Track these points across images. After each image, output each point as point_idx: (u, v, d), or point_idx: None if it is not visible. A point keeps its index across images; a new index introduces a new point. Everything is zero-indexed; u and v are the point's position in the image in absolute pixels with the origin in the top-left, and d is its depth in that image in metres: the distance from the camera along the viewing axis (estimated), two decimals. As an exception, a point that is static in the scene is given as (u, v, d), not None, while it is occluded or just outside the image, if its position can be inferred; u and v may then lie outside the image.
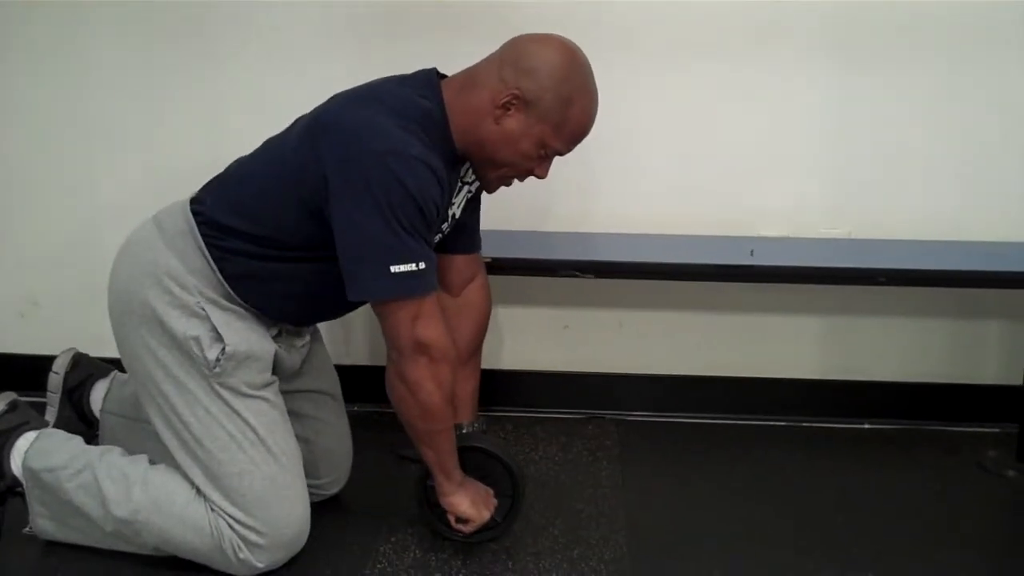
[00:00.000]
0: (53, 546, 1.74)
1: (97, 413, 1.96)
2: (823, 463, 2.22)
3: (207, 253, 1.66)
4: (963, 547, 1.86)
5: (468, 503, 1.74)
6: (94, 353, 2.03)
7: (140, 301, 1.66)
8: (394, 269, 1.54)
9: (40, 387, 1.98)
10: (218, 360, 1.63)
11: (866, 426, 2.42)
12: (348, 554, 1.78)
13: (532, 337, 2.48)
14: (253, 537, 1.64)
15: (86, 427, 1.96)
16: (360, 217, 1.52)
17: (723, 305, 2.42)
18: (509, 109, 1.61)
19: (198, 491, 1.66)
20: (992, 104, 2.27)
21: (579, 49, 1.66)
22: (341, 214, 1.55)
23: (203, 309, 1.65)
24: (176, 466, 1.68)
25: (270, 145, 1.73)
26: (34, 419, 1.79)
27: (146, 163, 2.42)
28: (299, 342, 1.85)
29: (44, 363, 1.99)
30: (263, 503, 1.65)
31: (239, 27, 2.32)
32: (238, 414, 1.65)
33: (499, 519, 1.81)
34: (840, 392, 2.44)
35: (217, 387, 1.65)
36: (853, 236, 2.32)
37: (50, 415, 1.96)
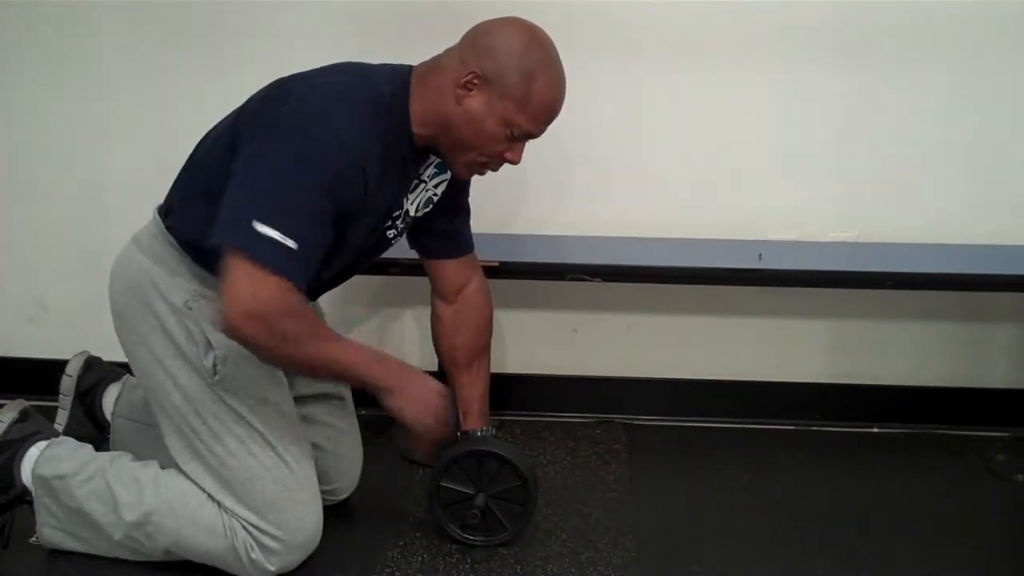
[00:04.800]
0: (59, 555, 1.74)
1: (109, 417, 1.96)
2: (832, 467, 2.22)
3: (174, 241, 1.66)
4: (972, 551, 1.85)
5: (411, 408, 1.62)
6: (103, 357, 2.04)
7: (137, 316, 1.67)
8: (258, 227, 1.42)
9: (49, 391, 1.99)
10: (215, 367, 1.63)
11: (875, 430, 2.42)
12: (356, 559, 1.78)
13: (540, 341, 2.47)
14: (266, 540, 1.64)
15: (97, 431, 1.96)
16: (254, 163, 1.48)
17: (731, 309, 2.42)
18: (471, 89, 1.59)
19: (210, 497, 1.67)
20: (1001, 108, 2.27)
21: (540, 28, 1.64)
22: (240, 157, 1.51)
23: (191, 308, 1.64)
24: (187, 475, 1.68)
25: (222, 121, 1.71)
26: (45, 428, 1.80)
27: (155, 167, 2.40)
28: None
29: (53, 367, 2.00)
30: (275, 507, 1.65)
31: (246, 31, 2.33)
32: (245, 419, 1.66)
33: (511, 524, 1.81)
34: (849, 396, 2.44)
35: (222, 394, 1.65)
36: (861, 240, 2.31)
37: (61, 418, 1.97)
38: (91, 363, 2.00)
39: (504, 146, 1.64)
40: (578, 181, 2.24)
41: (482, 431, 1.85)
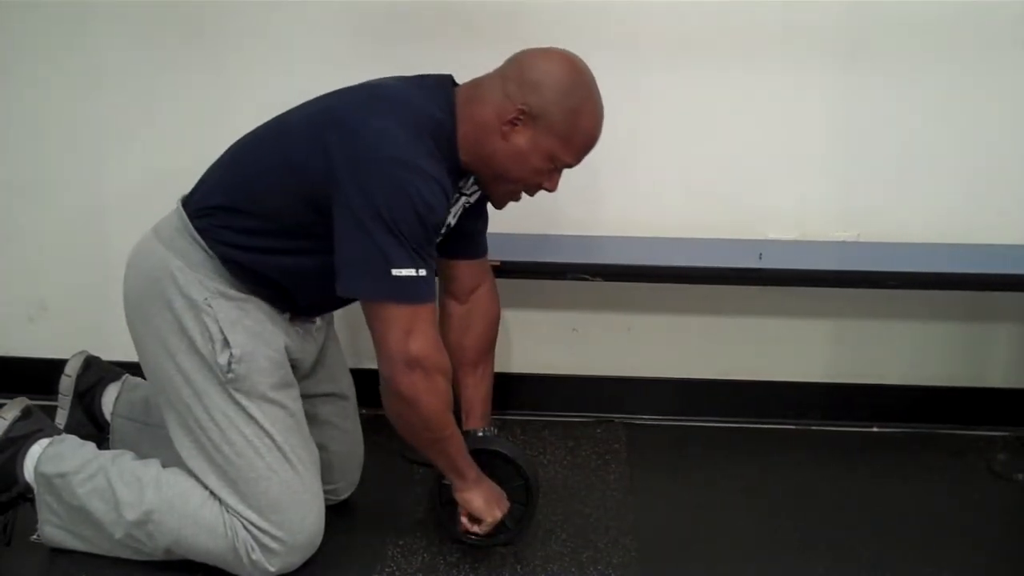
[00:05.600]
0: (60, 553, 1.74)
1: (108, 417, 1.96)
2: (832, 466, 2.22)
3: (203, 243, 1.66)
4: (973, 551, 1.85)
5: (481, 501, 1.73)
6: (103, 356, 2.03)
7: (152, 309, 1.67)
8: (396, 272, 1.52)
9: (49, 390, 1.99)
10: (229, 365, 1.64)
11: (875, 429, 2.42)
12: (356, 558, 1.79)
13: (541, 340, 2.47)
14: (267, 541, 1.64)
15: (97, 431, 1.96)
16: (364, 219, 1.52)
17: (732, 308, 2.42)
18: (516, 124, 1.61)
19: (213, 494, 1.66)
20: (1001, 107, 2.27)
21: (581, 60, 1.66)
22: (345, 212, 1.54)
23: (210, 306, 1.64)
24: (190, 473, 1.68)
25: (271, 129, 1.72)
26: (48, 426, 1.80)
27: (153, 165, 2.42)
28: (313, 327, 1.84)
29: (53, 367, 2.00)
30: (278, 508, 1.65)
31: (244, 28, 2.32)
32: (255, 420, 1.65)
33: (512, 524, 1.81)
34: (849, 395, 2.44)
35: (233, 392, 1.65)
36: (862, 239, 2.31)
37: (61, 418, 1.96)
38: (90, 363, 1.99)
39: (544, 177, 1.68)
40: (578, 181, 2.23)
41: (484, 431, 1.85)
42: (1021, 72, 2.25)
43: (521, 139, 1.62)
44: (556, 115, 1.60)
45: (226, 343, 1.64)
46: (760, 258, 2.16)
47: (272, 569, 1.65)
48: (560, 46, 2.29)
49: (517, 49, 2.26)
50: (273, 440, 1.66)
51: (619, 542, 1.85)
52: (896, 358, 2.43)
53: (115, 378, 1.99)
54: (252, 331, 1.67)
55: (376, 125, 1.56)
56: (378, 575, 1.73)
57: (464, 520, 1.76)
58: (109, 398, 1.97)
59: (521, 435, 2.36)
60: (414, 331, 1.56)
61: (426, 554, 1.80)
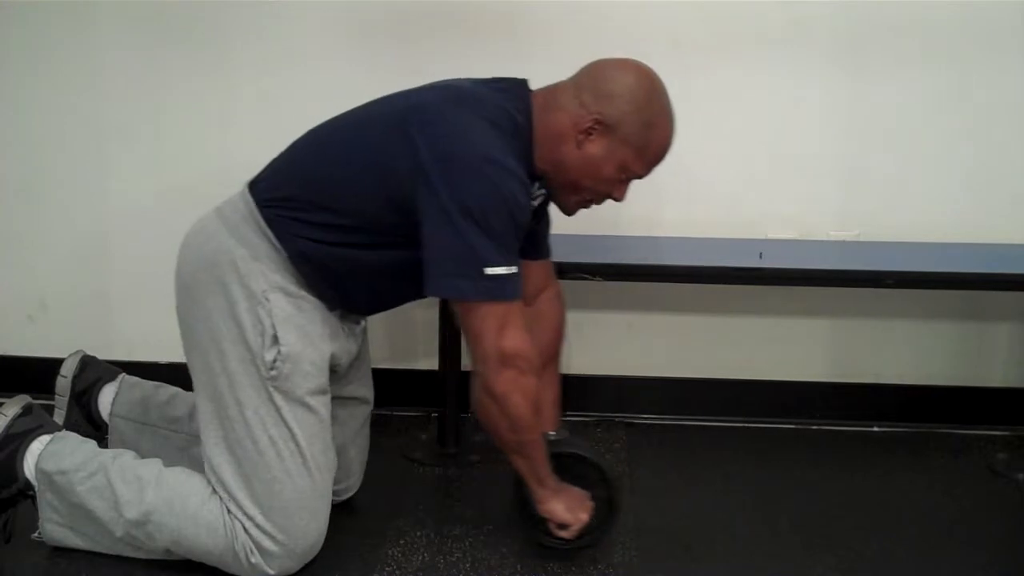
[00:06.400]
0: (61, 551, 1.74)
1: (106, 417, 1.95)
2: (832, 466, 2.22)
3: (270, 234, 1.66)
4: (973, 550, 1.85)
5: (564, 508, 1.72)
6: (103, 356, 2.03)
7: (206, 292, 1.66)
8: (489, 271, 1.54)
9: (49, 390, 1.98)
10: (274, 362, 1.63)
11: (875, 429, 2.42)
12: (357, 556, 1.78)
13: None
14: (267, 543, 1.63)
15: (94, 431, 1.95)
16: (455, 218, 1.53)
17: (732, 307, 2.42)
18: (591, 134, 1.63)
19: (224, 490, 1.65)
20: (1001, 106, 2.27)
21: (654, 72, 1.67)
22: (434, 212, 1.55)
23: (267, 299, 1.64)
24: (209, 458, 1.67)
25: (347, 125, 1.72)
26: (48, 423, 1.79)
27: (155, 165, 2.42)
28: (357, 328, 1.84)
29: (52, 366, 1.99)
30: (286, 512, 1.64)
31: (246, 28, 2.33)
32: (285, 422, 1.65)
33: (596, 524, 1.77)
34: (849, 395, 2.44)
35: (271, 390, 1.64)
36: (862, 239, 2.31)
37: (58, 419, 1.95)
38: (86, 363, 1.98)
39: (614, 187, 1.70)
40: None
41: (557, 434, 1.83)
42: (1020, 72, 2.25)
43: (595, 148, 1.64)
44: (631, 126, 1.62)
45: (275, 339, 1.63)
46: (760, 257, 2.16)
47: (271, 572, 1.65)
48: (559, 46, 2.30)
49: (516, 47, 2.28)
50: (297, 445, 1.65)
51: (619, 541, 1.85)
52: (896, 357, 2.43)
53: (112, 378, 1.98)
54: (303, 331, 1.66)
55: (464, 123, 1.58)
56: (378, 574, 1.73)
57: (552, 527, 1.74)
58: (106, 398, 1.96)
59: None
60: (507, 328, 1.58)
61: (426, 553, 1.80)
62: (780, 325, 2.44)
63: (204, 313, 1.67)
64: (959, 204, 2.32)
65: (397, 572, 1.74)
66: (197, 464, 1.78)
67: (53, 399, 1.96)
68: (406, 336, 2.46)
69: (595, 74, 1.66)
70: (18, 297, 2.52)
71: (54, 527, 1.71)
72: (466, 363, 2.24)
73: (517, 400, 1.61)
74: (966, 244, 2.29)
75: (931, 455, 2.28)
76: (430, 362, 2.29)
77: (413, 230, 1.59)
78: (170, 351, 2.46)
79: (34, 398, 1.80)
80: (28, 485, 1.70)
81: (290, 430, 1.65)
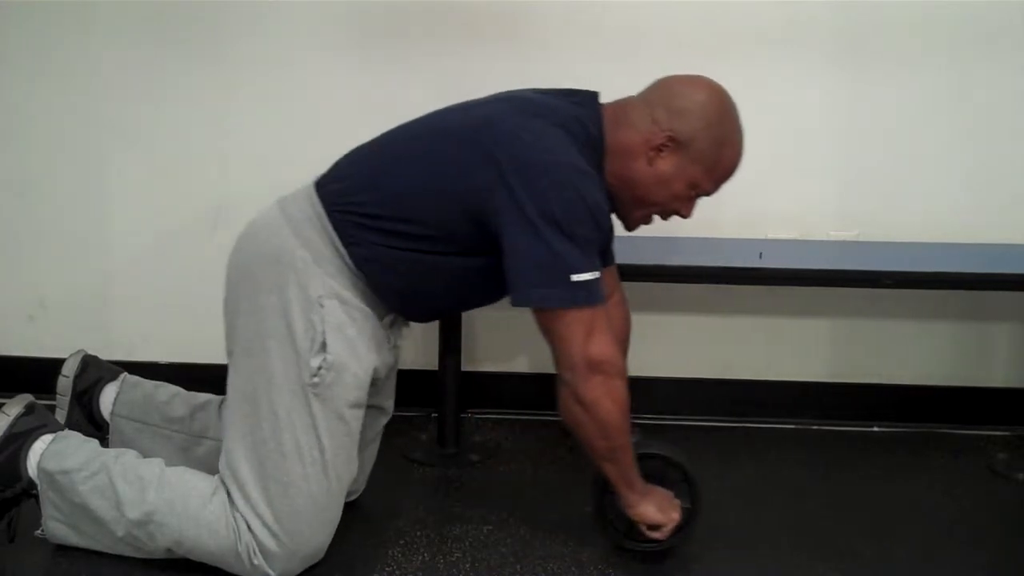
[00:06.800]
0: (64, 550, 1.74)
1: (107, 417, 1.95)
2: (832, 466, 2.22)
3: (336, 239, 1.66)
4: (973, 550, 1.85)
5: (655, 510, 1.71)
6: (103, 355, 2.03)
7: (261, 288, 1.66)
8: (575, 278, 1.54)
9: (49, 390, 1.98)
10: (319, 369, 1.63)
11: (875, 429, 2.42)
12: (358, 557, 1.78)
13: (541, 339, 2.46)
14: (272, 545, 1.63)
15: (96, 430, 1.95)
16: (539, 226, 1.53)
17: (732, 307, 2.42)
18: (663, 151, 1.63)
19: (237, 486, 1.64)
20: (1001, 106, 2.27)
21: (725, 89, 1.68)
22: (516, 221, 1.55)
23: (322, 305, 1.64)
24: (228, 451, 1.66)
25: (418, 134, 1.72)
26: (51, 422, 1.79)
27: (154, 164, 2.43)
28: (400, 340, 1.84)
29: (53, 366, 1.99)
30: (297, 518, 1.64)
31: (245, 27, 2.33)
32: (316, 430, 1.64)
33: (684, 523, 1.77)
34: (849, 395, 2.44)
35: (311, 397, 1.63)
36: (861, 238, 2.31)
37: (60, 418, 1.94)
38: (87, 362, 1.98)
39: (682, 204, 1.70)
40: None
41: (635, 437, 1.80)
42: (1019, 72, 2.25)
43: (666, 165, 1.64)
44: (703, 144, 1.63)
45: (324, 346, 1.63)
46: (760, 257, 2.16)
47: (272, 573, 1.65)
48: (559, 45, 2.30)
49: (516, 46, 2.28)
50: (323, 454, 1.65)
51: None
52: (896, 357, 2.44)
53: (113, 377, 1.98)
54: (351, 342, 1.66)
55: (540, 132, 1.59)
56: (379, 574, 1.73)
57: (643, 530, 1.74)
58: (107, 398, 1.95)
59: (520, 434, 2.36)
60: (594, 334, 1.58)
61: (426, 553, 1.80)
62: (780, 325, 2.44)
63: (255, 308, 1.66)
64: (959, 204, 2.32)
65: (397, 572, 1.74)
66: (198, 464, 1.79)
67: (54, 399, 1.96)
68: (406, 336, 2.45)
69: (667, 90, 1.68)
70: (18, 297, 2.52)
71: (56, 525, 1.71)
72: (466, 363, 2.25)
73: (607, 406, 1.61)
74: (966, 244, 2.29)
75: (931, 455, 2.28)
76: (429, 362, 2.29)
77: (488, 240, 1.60)
78: (170, 351, 2.48)
79: (35, 398, 1.80)
80: (31, 484, 1.70)
81: (319, 439, 1.64)
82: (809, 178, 2.32)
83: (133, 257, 2.47)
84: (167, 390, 1.95)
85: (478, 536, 1.87)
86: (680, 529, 1.75)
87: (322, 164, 2.40)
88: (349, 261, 1.66)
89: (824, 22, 2.24)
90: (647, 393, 2.45)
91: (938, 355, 2.43)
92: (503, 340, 2.41)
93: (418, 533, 1.87)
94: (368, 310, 1.70)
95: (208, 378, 2.06)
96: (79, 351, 1.99)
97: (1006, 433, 2.36)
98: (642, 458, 1.72)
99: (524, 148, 1.57)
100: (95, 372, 1.98)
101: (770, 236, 2.32)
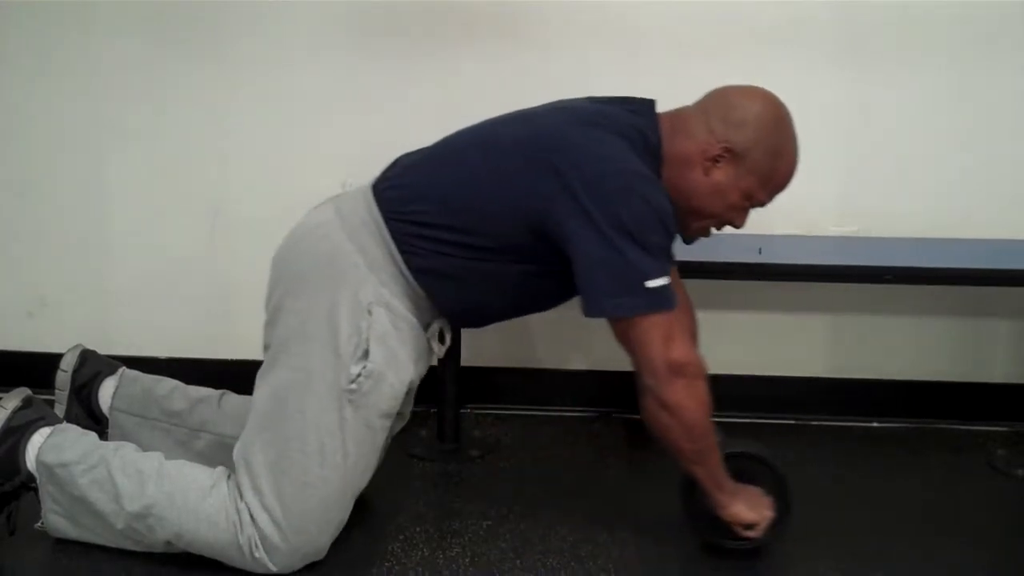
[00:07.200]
0: (64, 544, 1.74)
1: (106, 411, 1.95)
2: (831, 462, 2.22)
3: (392, 246, 1.66)
4: (973, 546, 1.85)
5: (747, 508, 1.70)
6: (102, 351, 2.03)
7: (311, 288, 1.66)
8: (649, 284, 1.55)
9: (49, 385, 1.98)
10: (358, 376, 1.63)
11: (875, 424, 2.42)
12: (358, 552, 1.78)
13: (540, 335, 2.47)
14: (277, 539, 1.62)
15: (95, 425, 1.95)
16: (611, 236, 1.54)
17: (731, 303, 2.41)
18: (719, 162, 1.64)
19: (249, 477, 1.64)
20: (1001, 102, 2.27)
21: (780, 100, 1.69)
22: (586, 234, 1.56)
23: (371, 312, 1.64)
24: (247, 443, 1.66)
25: (477, 148, 1.71)
26: (49, 415, 1.79)
27: (153, 162, 2.43)
28: (442, 348, 1.83)
29: (52, 361, 1.99)
30: (306, 517, 1.64)
31: (244, 26, 2.33)
32: (343, 435, 1.64)
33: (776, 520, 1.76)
34: (849, 390, 2.44)
35: (344, 402, 1.63)
36: (861, 234, 2.32)
37: (59, 413, 1.95)
38: (86, 357, 1.98)
39: (736, 214, 1.71)
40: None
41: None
42: (1020, 69, 2.25)
43: (722, 176, 1.65)
44: (759, 155, 1.64)
45: (366, 354, 1.63)
46: (760, 252, 2.16)
47: (273, 568, 1.64)
48: (559, 44, 2.30)
49: (516, 46, 2.28)
50: (345, 460, 1.65)
51: (619, 537, 1.85)
52: (896, 353, 2.43)
53: (112, 372, 1.98)
54: (392, 353, 1.66)
55: (602, 142, 1.60)
56: (378, 569, 1.73)
57: (737, 529, 1.72)
58: (106, 392, 1.95)
59: (520, 430, 2.36)
60: (673, 338, 1.59)
61: (426, 549, 1.80)
62: (779, 321, 2.44)
63: (301, 307, 1.66)
64: (959, 199, 2.32)
65: (397, 567, 1.74)
66: (197, 458, 1.79)
67: (53, 394, 1.96)
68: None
69: (723, 101, 1.68)
70: (18, 293, 2.52)
71: (56, 518, 1.71)
72: (466, 359, 2.25)
73: (692, 408, 1.61)
74: (966, 240, 2.29)
75: (931, 451, 2.28)
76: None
77: (549, 250, 1.61)
78: (169, 346, 2.49)
79: (34, 393, 1.80)
80: (30, 477, 1.70)
81: (344, 444, 1.65)
82: (809, 174, 2.30)
83: (132, 255, 2.47)
84: (166, 384, 1.95)
85: (477, 531, 1.87)
86: (774, 526, 1.73)
87: (322, 164, 2.42)
88: (404, 269, 1.67)
89: (825, 21, 2.24)
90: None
91: (938, 351, 2.42)
92: (503, 336, 2.41)
93: (417, 528, 1.87)
94: (414, 320, 1.70)
95: (206, 373, 2.06)
96: (77, 345, 1.99)
97: (1006, 429, 2.36)
98: (728, 458, 1.71)
99: (586, 158, 1.58)
100: (93, 366, 1.98)
101: (770, 231, 2.31)
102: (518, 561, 1.76)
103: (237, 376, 2.07)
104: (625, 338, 1.62)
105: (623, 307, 1.57)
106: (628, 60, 2.25)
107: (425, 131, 2.36)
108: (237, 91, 2.38)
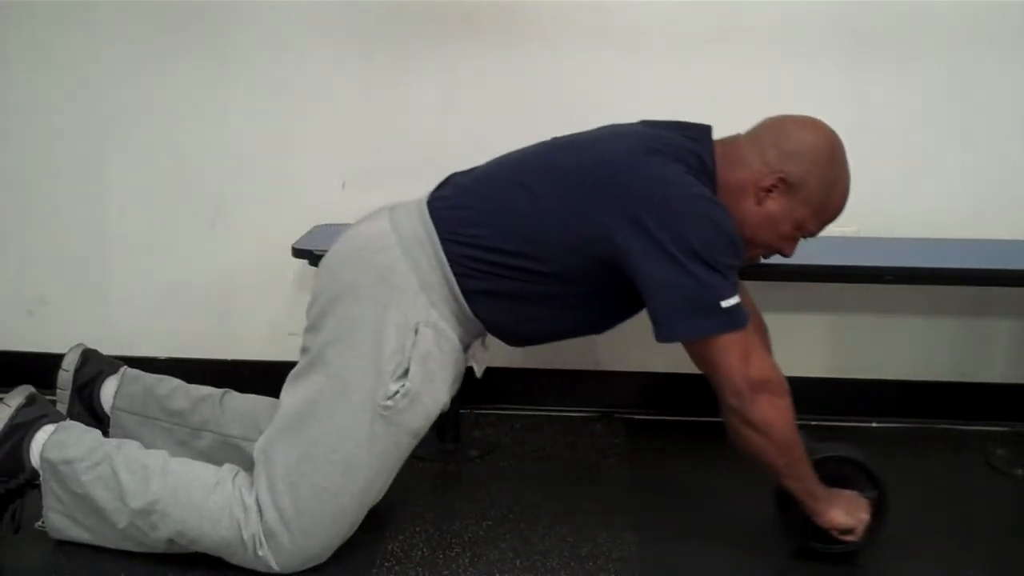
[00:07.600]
0: (64, 545, 1.73)
1: (108, 410, 1.95)
2: (831, 462, 2.22)
3: (447, 267, 1.65)
4: (972, 546, 1.85)
5: (843, 514, 1.69)
6: (103, 350, 2.03)
7: (360, 300, 1.65)
8: (724, 304, 1.55)
9: (49, 385, 1.98)
10: (395, 394, 1.63)
11: (874, 425, 2.42)
12: (357, 552, 1.78)
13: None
14: (284, 539, 1.63)
15: (97, 424, 1.95)
16: (682, 260, 1.54)
17: (731, 303, 2.41)
18: (772, 192, 1.64)
19: (266, 473, 1.64)
20: (1001, 102, 2.27)
21: (834, 131, 1.69)
22: (655, 260, 1.56)
23: (417, 332, 1.64)
24: (270, 440, 1.66)
25: (536, 174, 1.69)
26: (53, 412, 1.79)
27: (153, 161, 2.43)
28: (480, 367, 1.84)
29: (53, 361, 2.00)
30: (318, 521, 1.64)
31: (244, 25, 2.33)
32: (370, 451, 1.64)
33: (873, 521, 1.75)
34: (848, 391, 2.44)
35: (377, 417, 1.63)
36: (861, 234, 2.31)
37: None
38: (87, 356, 1.98)
39: (786, 244, 1.72)
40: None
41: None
42: (1020, 68, 2.25)
43: (775, 206, 1.66)
44: (813, 186, 1.64)
45: (405, 374, 1.63)
46: (759, 252, 2.16)
47: (275, 567, 1.65)
48: (559, 44, 2.30)
49: (516, 45, 2.28)
50: (368, 473, 1.66)
51: (619, 536, 1.85)
52: (895, 353, 2.43)
53: (113, 371, 1.98)
54: (431, 375, 1.66)
55: (662, 167, 1.60)
56: (378, 569, 1.73)
57: (835, 534, 1.72)
58: (108, 391, 1.95)
59: (521, 430, 2.36)
60: (751, 355, 1.59)
61: (425, 548, 1.80)
62: (778, 321, 2.42)
63: (348, 316, 1.66)
64: (959, 199, 2.32)
65: (397, 567, 1.74)
66: (199, 457, 1.80)
67: (54, 394, 1.96)
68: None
69: (777, 131, 1.68)
70: (18, 292, 2.52)
71: (57, 516, 1.71)
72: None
73: (780, 425, 1.61)
74: (966, 240, 2.29)
75: (930, 451, 2.28)
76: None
77: (612, 277, 1.62)
78: (169, 346, 2.49)
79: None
80: (34, 474, 1.70)
81: (369, 459, 1.65)
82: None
83: (132, 254, 2.47)
84: (167, 383, 1.95)
85: (477, 532, 1.87)
86: (872, 529, 1.73)
87: (322, 163, 2.42)
88: (457, 290, 1.66)
89: (824, 17, 2.24)
90: (646, 389, 2.46)
91: (937, 351, 2.43)
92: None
93: (417, 529, 1.87)
94: (457, 342, 1.70)
95: (206, 373, 2.06)
96: (78, 345, 1.99)
97: (1005, 429, 2.36)
98: (819, 464, 1.70)
99: (652, 184, 1.58)
100: (95, 366, 1.97)
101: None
102: (518, 561, 1.77)
103: (237, 376, 2.08)
104: (703, 360, 1.62)
105: (700, 329, 1.57)
106: (628, 58, 2.25)
107: (426, 130, 2.38)
108: (237, 90, 2.38)
